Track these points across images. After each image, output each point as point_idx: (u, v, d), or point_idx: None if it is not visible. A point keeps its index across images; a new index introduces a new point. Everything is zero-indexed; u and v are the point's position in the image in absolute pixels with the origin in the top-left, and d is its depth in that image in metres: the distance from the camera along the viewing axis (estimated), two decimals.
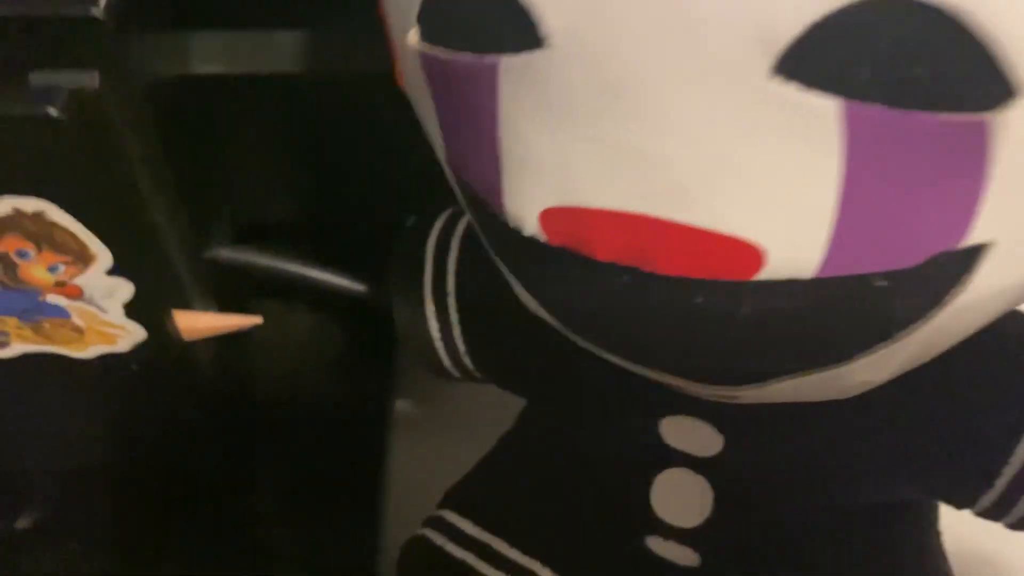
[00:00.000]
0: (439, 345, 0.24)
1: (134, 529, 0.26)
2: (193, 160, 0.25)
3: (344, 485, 0.27)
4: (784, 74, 0.11)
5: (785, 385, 0.16)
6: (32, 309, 0.22)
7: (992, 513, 0.20)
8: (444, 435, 0.29)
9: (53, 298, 0.22)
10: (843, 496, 0.20)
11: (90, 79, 0.19)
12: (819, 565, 0.20)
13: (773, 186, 0.12)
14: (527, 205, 0.14)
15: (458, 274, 0.23)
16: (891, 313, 0.14)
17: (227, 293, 0.27)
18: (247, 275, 0.28)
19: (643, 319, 0.15)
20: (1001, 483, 0.19)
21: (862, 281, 0.13)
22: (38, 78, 0.19)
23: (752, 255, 0.13)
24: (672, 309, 0.14)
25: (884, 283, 0.13)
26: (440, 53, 0.14)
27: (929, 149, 0.12)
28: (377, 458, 0.27)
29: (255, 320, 0.25)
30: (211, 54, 0.24)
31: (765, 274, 0.13)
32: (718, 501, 0.21)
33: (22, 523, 0.26)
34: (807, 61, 0.11)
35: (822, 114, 0.12)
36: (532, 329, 0.22)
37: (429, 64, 0.14)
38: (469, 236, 0.23)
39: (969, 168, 0.12)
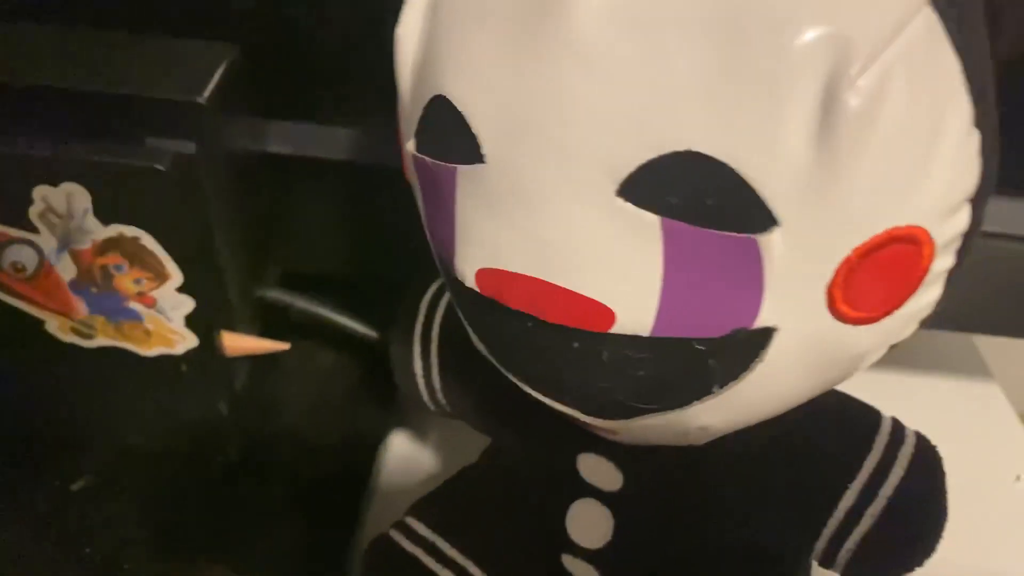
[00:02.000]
0: (420, 381, 0.29)
1: (167, 498, 0.32)
2: (258, 218, 0.32)
3: (334, 493, 0.32)
4: (624, 195, 0.17)
5: (647, 423, 0.21)
6: (117, 311, 0.29)
7: (823, 561, 0.25)
8: (427, 467, 0.35)
9: (133, 304, 0.29)
10: (719, 535, 0.25)
11: (189, 147, 0.26)
12: None
13: (618, 268, 0.18)
14: (469, 265, 0.20)
15: (442, 324, 0.29)
16: (709, 370, 0.19)
17: (269, 330, 0.34)
18: (286, 314, 0.35)
19: (541, 356, 0.21)
20: (827, 533, 0.24)
21: (685, 343, 0.19)
22: (152, 142, 0.26)
23: (606, 314, 0.19)
24: (558, 349, 0.20)
25: (701, 347, 0.19)
26: (426, 158, 0.20)
27: (720, 256, 0.18)
28: (365, 470, 0.33)
29: (284, 346, 0.31)
30: (283, 139, 0.32)
31: (616, 328, 0.19)
32: (617, 529, 0.26)
33: (76, 486, 0.32)
34: (638, 188, 0.17)
35: (649, 225, 0.17)
36: (488, 373, 0.28)
37: (419, 165, 0.21)
38: None
39: (749, 271, 0.18)
